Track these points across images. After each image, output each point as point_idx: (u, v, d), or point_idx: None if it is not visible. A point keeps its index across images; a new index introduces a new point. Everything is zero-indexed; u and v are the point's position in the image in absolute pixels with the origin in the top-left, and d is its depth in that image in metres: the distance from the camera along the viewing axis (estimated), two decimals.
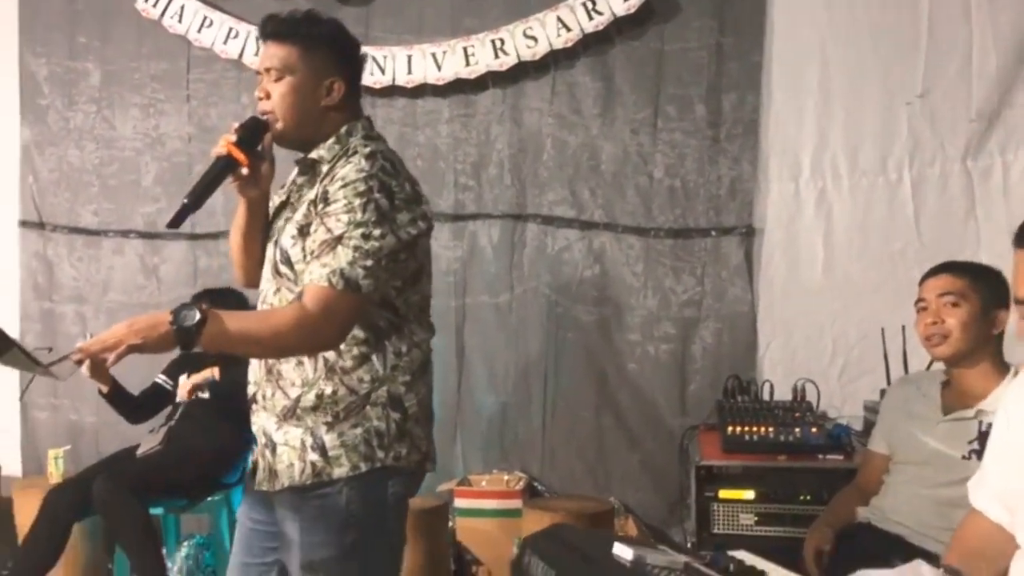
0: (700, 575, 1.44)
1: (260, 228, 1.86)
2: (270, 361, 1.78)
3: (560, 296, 3.58)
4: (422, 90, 3.62)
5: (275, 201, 1.87)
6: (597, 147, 3.53)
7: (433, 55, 3.54)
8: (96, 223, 3.94)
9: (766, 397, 3.05)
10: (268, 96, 1.77)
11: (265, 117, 1.78)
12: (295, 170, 1.88)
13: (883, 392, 2.57)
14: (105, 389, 3.25)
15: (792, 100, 3.34)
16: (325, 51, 1.77)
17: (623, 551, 1.48)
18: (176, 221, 1.70)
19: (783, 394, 3.04)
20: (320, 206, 1.70)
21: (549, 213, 3.58)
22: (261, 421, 1.82)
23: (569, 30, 3.41)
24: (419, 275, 1.80)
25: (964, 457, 1.99)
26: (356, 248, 1.65)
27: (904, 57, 3.23)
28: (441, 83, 3.57)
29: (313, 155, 1.80)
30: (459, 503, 3.39)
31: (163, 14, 3.75)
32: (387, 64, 3.58)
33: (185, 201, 1.71)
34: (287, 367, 1.76)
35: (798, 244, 3.35)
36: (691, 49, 3.42)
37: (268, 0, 3.69)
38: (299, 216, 1.74)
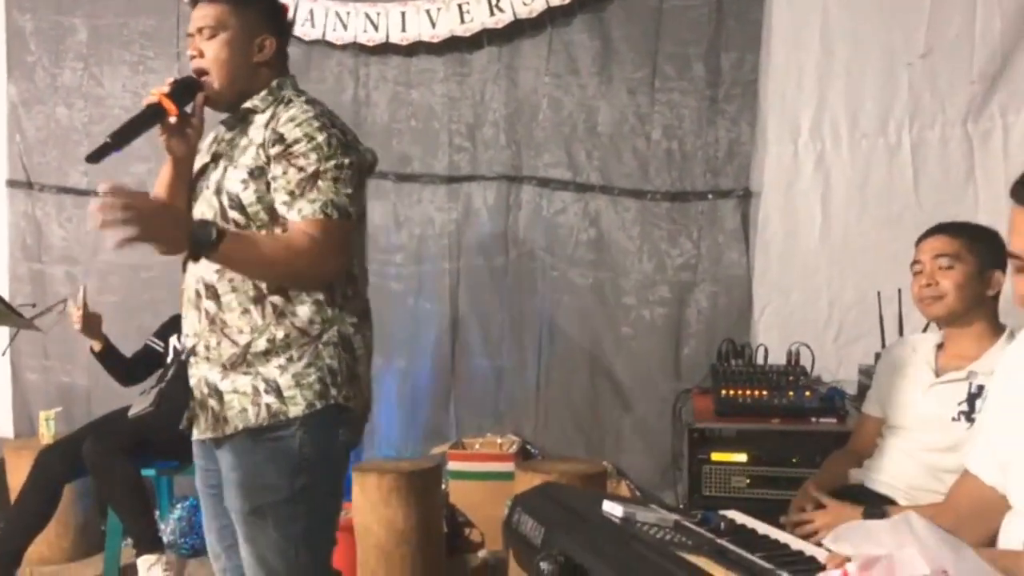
0: (690, 532, 1.43)
1: (184, 188, 1.89)
2: (211, 311, 1.80)
3: (555, 259, 3.55)
4: (416, 48, 3.56)
5: (198, 163, 1.90)
6: (594, 108, 3.48)
7: (427, 12, 3.48)
8: (85, 183, 3.89)
9: (760, 361, 3.04)
10: (202, 55, 1.82)
11: (201, 79, 1.82)
12: (214, 133, 1.92)
13: (878, 356, 2.56)
14: (97, 347, 3.23)
15: (792, 60, 3.29)
16: (255, 9, 1.85)
17: (613, 508, 1.47)
18: (95, 157, 1.72)
19: (778, 358, 3.03)
20: (276, 147, 1.74)
21: (545, 175, 3.54)
22: (202, 372, 1.83)
23: None
24: (362, 216, 1.85)
25: (953, 419, 1.98)
26: (335, 179, 1.73)
27: (906, 17, 3.17)
28: (436, 41, 3.51)
29: (247, 105, 1.85)
30: (452, 466, 3.40)
31: None
32: (380, 21, 3.52)
33: (107, 140, 1.73)
34: (232, 315, 1.78)
35: (795, 207, 3.32)
36: (690, 6, 3.36)
37: None
38: (246, 160, 1.78)
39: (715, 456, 2.70)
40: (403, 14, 3.49)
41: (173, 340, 3.40)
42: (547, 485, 1.79)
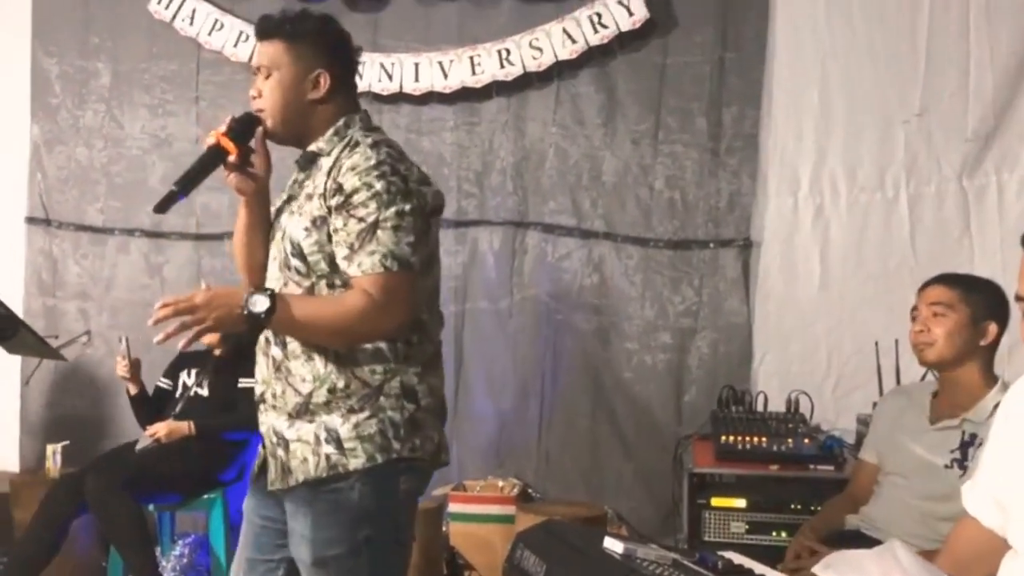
0: (688, 570, 1.47)
1: (261, 227, 1.88)
2: (278, 359, 1.79)
3: (559, 304, 3.61)
4: (428, 97, 3.67)
5: (277, 203, 1.90)
6: (599, 158, 3.57)
7: (440, 63, 3.59)
8: (102, 221, 3.98)
9: (760, 408, 3.09)
10: (260, 95, 1.82)
11: (258, 117, 1.82)
12: (295, 171, 1.90)
13: (875, 405, 2.60)
14: (134, 391, 3.32)
15: (792, 116, 3.39)
16: (309, 45, 1.80)
17: (614, 545, 1.51)
18: (163, 206, 1.74)
19: (777, 406, 3.07)
20: (336, 198, 1.71)
21: (550, 221, 3.63)
22: (271, 420, 1.82)
23: (574, 42, 3.46)
24: (432, 261, 1.81)
25: (946, 466, 2.02)
26: (395, 228, 1.68)
27: (902, 76, 3.28)
28: (447, 91, 3.62)
29: (312, 148, 1.82)
30: (453, 508, 3.41)
31: (175, 16, 3.80)
32: (394, 71, 3.63)
33: (174, 188, 1.74)
34: (296, 363, 1.76)
35: (795, 258, 3.39)
36: (693, 63, 3.47)
37: (279, 5, 3.80)
38: (311, 208, 1.76)
39: (715, 501, 2.73)
40: (416, 65, 3.61)
41: (183, 375, 3.46)
42: (549, 522, 1.82)
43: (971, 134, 3.21)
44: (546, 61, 3.50)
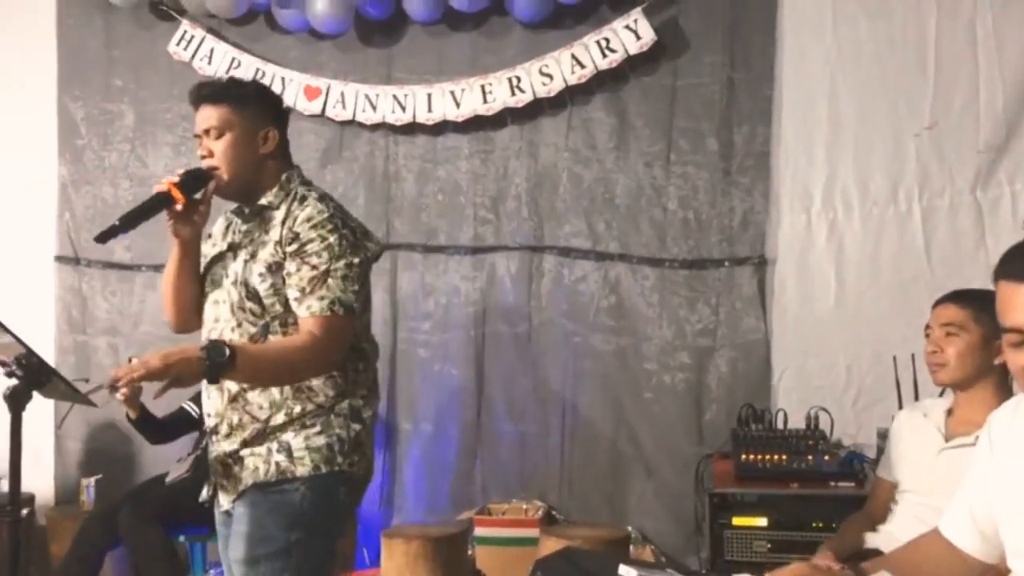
0: None
1: (192, 269, 2.05)
2: (233, 391, 1.92)
3: (577, 326, 3.65)
4: (442, 127, 3.74)
5: (216, 247, 2.05)
6: (612, 180, 3.62)
7: (452, 93, 3.66)
8: (129, 258, 4.08)
9: (780, 425, 3.10)
10: (211, 154, 1.97)
11: (212, 172, 1.96)
12: (225, 220, 2.08)
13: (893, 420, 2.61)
14: (134, 415, 3.36)
15: (802, 133, 3.41)
16: (255, 106, 2.00)
17: (628, 572, 1.54)
18: (103, 237, 1.91)
19: (797, 422, 3.08)
20: (291, 246, 1.89)
21: (566, 245, 3.67)
22: (223, 448, 1.95)
23: (583, 67, 3.51)
24: (369, 299, 2.02)
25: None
26: (344, 277, 1.88)
27: (912, 89, 3.29)
28: (460, 120, 3.68)
29: (262, 201, 1.98)
30: (478, 531, 3.45)
31: (193, 56, 3.91)
32: (408, 102, 3.70)
33: (116, 223, 1.91)
34: (253, 393, 1.91)
35: (810, 274, 3.40)
36: (702, 84, 3.51)
37: (294, 42, 3.92)
38: (264, 255, 1.92)
39: (736, 521, 2.74)
40: (429, 95, 3.68)
41: None
42: (567, 549, 1.86)
43: (983, 145, 3.22)
44: (556, 87, 3.55)
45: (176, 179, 1.95)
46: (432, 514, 3.68)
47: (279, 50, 3.91)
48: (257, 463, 1.90)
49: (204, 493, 2.05)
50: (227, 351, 1.75)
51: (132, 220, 1.92)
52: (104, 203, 4.12)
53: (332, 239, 1.88)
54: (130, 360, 3.32)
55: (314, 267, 1.87)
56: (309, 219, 1.90)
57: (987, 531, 1.41)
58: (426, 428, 3.77)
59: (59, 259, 4.15)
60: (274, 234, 1.93)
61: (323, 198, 1.97)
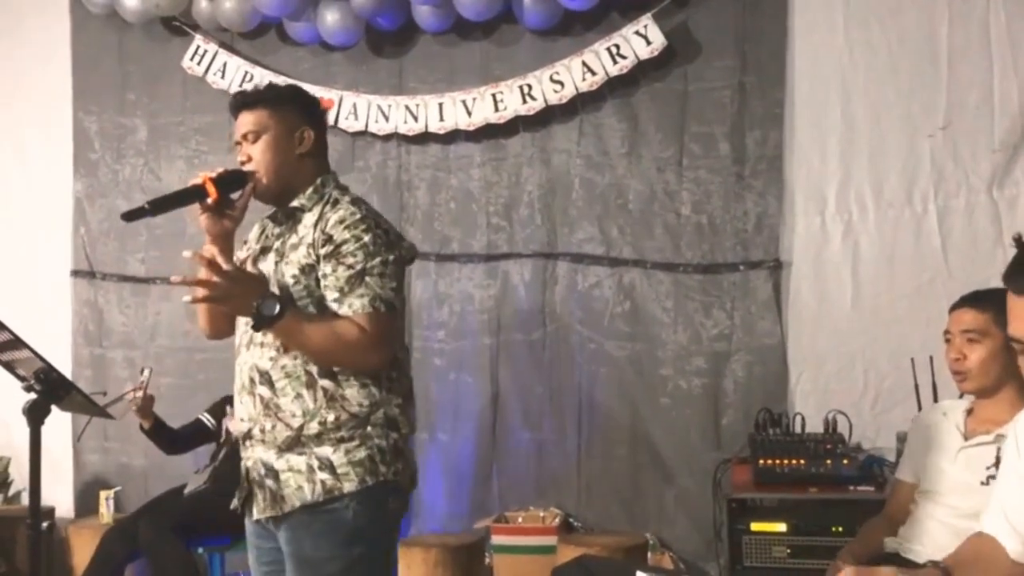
0: None
1: None
2: (266, 397, 1.91)
3: (592, 332, 3.64)
4: (454, 136, 3.75)
5: (249, 251, 2.04)
6: (624, 186, 3.61)
7: (464, 102, 3.67)
8: (144, 271, 4.11)
9: (798, 430, 3.07)
10: (250, 159, 1.97)
11: (251, 176, 1.96)
12: (260, 225, 2.06)
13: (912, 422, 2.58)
14: (147, 425, 3.38)
15: (815, 135, 3.39)
16: (290, 106, 2.00)
17: None
18: (129, 216, 1.89)
19: (815, 426, 3.06)
20: (325, 248, 1.87)
21: (579, 251, 3.67)
22: (257, 454, 1.94)
23: (594, 74, 3.51)
24: (403, 304, 1.98)
25: (982, 483, 2.00)
26: (381, 275, 1.87)
27: (925, 90, 3.27)
28: (472, 129, 3.69)
29: (294, 204, 1.98)
30: (496, 540, 3.44)
31: (207, 71, 3.94)
32: (420, 112, 3.71)
33: (145, 205, 1.90)
34: (285, 400, 1.90)
35: (826, 277, 3.38)
36: (714, 88, 3.50)
37: (306, 55, 3.94)
38: (297, 257, 1.91)
39: (755, 526, 2.72)
40: (440, 105, 3.69)
41: (226, 421, 3.54)
42: (584, 557, 1.85)
43: (998, 144, 3.19)
44: (567, 94, 3.55)
45: (214, 175, 1.94)
46: (450, 523, 3.68)
47: (291, 62, 3.94)
48: (300, 482, 1.87)
49: (235, 500, 2.03)
50: (277, 308, 1.77)
51: (161, 206, 1.90)
52: (118, 216, 4.13)
53: (367, 238, 1.87)
54: (145, 372, 3.37)
55: (350, 266, 1.85)
56: (342, 220, 1.89)
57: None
58: (442, 437, 3.77)
59: (75, 273, 4.18)
60: (307, 236, 1.91)
61: (356, 201, 1.96)
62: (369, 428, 1.89)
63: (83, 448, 4.10)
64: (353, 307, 1.84)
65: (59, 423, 3.99)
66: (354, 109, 3.77)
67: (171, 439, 3.45)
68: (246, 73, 3.89)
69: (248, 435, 1.96)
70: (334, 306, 1.86)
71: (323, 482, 1.86)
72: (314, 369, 1.88)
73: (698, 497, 3.41)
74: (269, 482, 1.91)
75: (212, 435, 3.53)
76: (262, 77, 3.87)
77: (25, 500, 3.98)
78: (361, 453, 1.87)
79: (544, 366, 3.70)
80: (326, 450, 1.87)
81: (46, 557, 3.70)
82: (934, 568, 1.43)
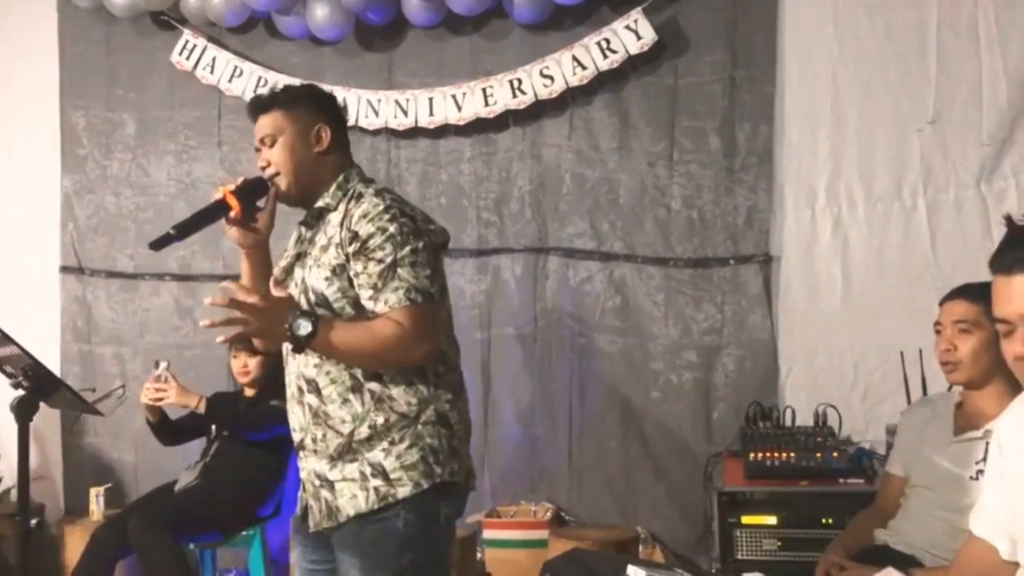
0: None
1: (260, 280, 1.97)
2: (314, 405, 1.87)
3: (583, 327, 3.64)
4: (444, 130, 3.74)
5: (282, 262, 2.00)
6: (615, 180, 3.61)
7: (454, 97, 3.66)
8: (132, 267, 4.08)
9: (788, 423, 3.09)
10: (270, 164, 1.94)
11: (271, 181, 1.93)
12: (296, 231, 2.01)
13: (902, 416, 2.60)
14: (154, 420, 3.37)
15: (805, 129, 3.40)
16: (304, 105, 1.96)
17: (636, 572, 1.53)
18: (158, 244, 1.85)
19: (805, 420, 3.08)
20: (353, 245, 1.82)
21: (570, 246, 3.67)
22: (311, 465, 1.90)
23: (584, 68, 3.51)
24: (444, 291, 1.92)
25: (972, 478, 2.01)
26: (412, 264, 1.81)
27: (914, 85, 3.28)
28: (462, 123, 3.68)
29: (320, 203, 1.94)
30: (487, 534, 3.44)
31: (196, 65, 3.91)
32: (410, 107, 3.70)
33: (171, 231, 1.85)
34: (333, 407, 1.85)
35: (816, 271, 3.39)
36: (704, 82, 3.51)
37: (295, 49, 3.92)
38: (328, 259, 1.86)
39: (746, 519, 2.74)
40: (431, 100, 3.68)
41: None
42: (575, 551, 1.85)
43: (987, 139, 3.20)
44: (558, 88, 3.55)
45: (233, 187, 1.91)
46: None
47: (280, 57, 3.92)
48: (353, 490, 1.83)
49: (297, 509, 1.99)
50: (309, 326, 1.73)
51: (187, 229, 1.86)
52: (107, 212, 4.13)
53: (392, 228, 1.80)
54: (157, 364, 3.35)
55: (380, 261, 1.79)
56: (365, 215, 1.82)
57: (1014, 534, 1.41)
58: None
59: (64, 269, 4.16)
60: (335, 236, 1.86)
61: (380, 192, 1.89)
62: (420, 427, 1.83)
63: (71, 444, 4.08)
64: (389, 303, 1.78)
65: (48, 421, 3.98)
66: (344, 104, 3.74)
67: (172, 431, 3.45)
68: (235, 68, 3.87)
69: (301, 445, 1.92)
70: (369, 304, 1.81)
71: (376, 489, 1.81)
72: (359, 372, 1.84)
73: (689, 490, 3.42)
74: (325, 493, 1.87)
75: (206, 425, 3.52)
76: (251, 72, 3.86)
77: (15, 497, 3.97)
78: (414, 456, 1.81)
79: (535, 361, 3.70)
80: (378, 455, 1.82)
81: (36, 554, 3.70)
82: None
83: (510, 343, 3.73)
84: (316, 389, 1.87)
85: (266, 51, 3.94)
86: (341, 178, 1.94)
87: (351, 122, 3.72)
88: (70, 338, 4.14)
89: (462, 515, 1.95)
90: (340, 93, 3.72)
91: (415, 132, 3.75)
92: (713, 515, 2.90)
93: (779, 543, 2.69)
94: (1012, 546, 1.42)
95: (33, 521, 2.08)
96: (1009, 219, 1.38)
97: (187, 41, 3.92)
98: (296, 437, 1.93)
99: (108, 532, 3.21)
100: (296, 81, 2.34)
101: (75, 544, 3.31)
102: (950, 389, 2.53)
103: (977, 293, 2.16)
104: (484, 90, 3.62)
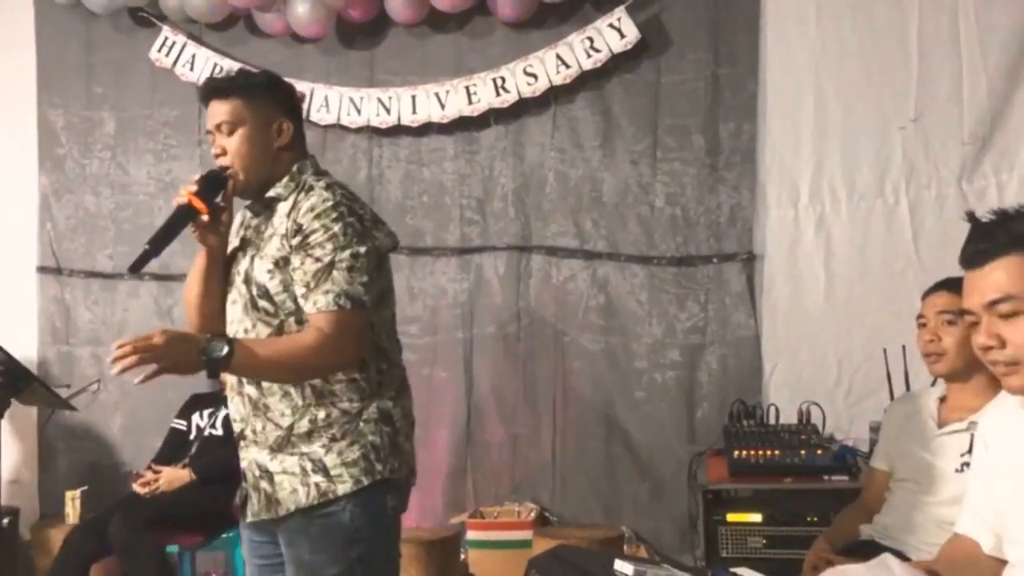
0: None
1: (218, 274, 1.93)
2: (254, 396, 1.85)
3: (566, 326, 3.63)
4: (427, 128, 3.72)
5: (231, 246, 1.95)
6: (598, 179, 3.60)
7: (437, 95, 3.64)
8: (111, 267, 4.03)
9: (772, 421, 3.08)
10: (225, 152, 1.87)
11: (226, 173, 1.87)
12: (240, 215, 1.97)
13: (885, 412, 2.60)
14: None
15: (788, 127, 3.41)
16: (266, 98, 1.90)
17: (624, 567, 1.52)
18: (137, 266, 1.80)
19: (789, 417, 3.07)
20: (296, 239, 1.79)
21: (553, 244, 3.65)
22: (252, 455, 1.89)
23: (568, 67, 3.50)
24: (388, 293, 1.92)
25: (957, 470, 2.01)
26: (349, 268, 1.77)
27: (896, 83, 3.30)
28: (445, 121, 3.66)
29: (271, 193, 1.89)
30: (471, 535, 3.42)
31: (175, 62, 3.87)
32: (392, 104, 3.68)
33: (147, 247, 1.80)
34: (273, 399, 1.83)
35: (799, 268, 3.40)
36: (687, 80, 3.51)
37: (275, 46, 3.89)
38: (271, 250, 1.83)
39: (730, 517, 2.72)
40: (413, 97, 3.66)
41: (196, 418, 3.49)
42: (561, 547, 1.83)
43: (968, 137, 3.22)
44: (541, 87, 3.54)
45: (193, 187, 1.85)
46: (424, 518, 3.65)
47: (261, 54, 3.88)
48: (294, 484, 1.81)
49: (237, 498, 1.97)
50: (225, 347, 1.69)
51: (161, 241, 1.81)
52: (86, 212, 4.07)
53: (336, 228, 1.76)
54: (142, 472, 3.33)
55: (318, 259, 1.76)
56: (312, 208, 1.79)
57: (997, 529, 1.41)
58: (417, 432, 3.71)
59: (41, 270, 4.09)
60: (280, 227, 1.83)
61: (331, 186, 1.85)
62: (362, 424, 1.82)
63: (48, 447, 4.01)
64: (318, 304, 1.76)
65: (22, 423, 3.92)
66: (326, 102, 3.73)
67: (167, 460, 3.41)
68: (215, 65, 3.83)
69: (241, 436, 1.91)
70: (301, 301, 1.79)
71: (317, 484, 1.80)
72: None
73: (673, 489, 3.41)
74: (264, 484, 1.85)
75: (187, 436, 3.49)
76: (232, 69, 3.81)
77: None
78: (355, 453, 1.80)
79: (518, 360, 3.68)
80: (318, 451, 1.81)
81: (9, 557, 3.64)
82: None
83: (493, 342, 3.71)
84: (256, 381, 1.84)
85: (246, 48, 3.90)
86: (295, 168, 1.90)
87: (333, 120, 3.74)
88: (48, 339, 4.08)
89: (407, 509, 1.96)
90: (322, 91, 3.74)
91: (398, 130, 3.73)
92: (698, 513, 2.89)
93: (764, 540, 2.68)
94: (996, 541, 1.42)
95: (4, 520, 2.03)
96: (971, 215, 1.40)
97: (166, 38, 3.88)
98: (236, 427, 1.92)
99: (83, 534, 3.17)
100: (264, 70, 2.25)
101: (49, 548, 3.25)
102: (933, 383, 2.54)
103: (959, 286, 2.16)
104: (467, 88, 3.60)
